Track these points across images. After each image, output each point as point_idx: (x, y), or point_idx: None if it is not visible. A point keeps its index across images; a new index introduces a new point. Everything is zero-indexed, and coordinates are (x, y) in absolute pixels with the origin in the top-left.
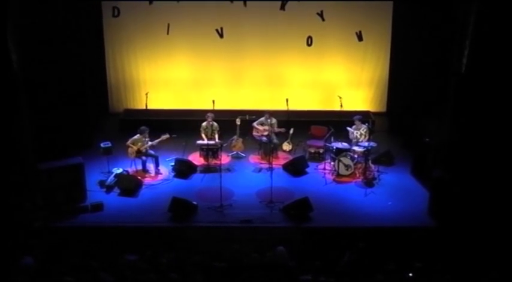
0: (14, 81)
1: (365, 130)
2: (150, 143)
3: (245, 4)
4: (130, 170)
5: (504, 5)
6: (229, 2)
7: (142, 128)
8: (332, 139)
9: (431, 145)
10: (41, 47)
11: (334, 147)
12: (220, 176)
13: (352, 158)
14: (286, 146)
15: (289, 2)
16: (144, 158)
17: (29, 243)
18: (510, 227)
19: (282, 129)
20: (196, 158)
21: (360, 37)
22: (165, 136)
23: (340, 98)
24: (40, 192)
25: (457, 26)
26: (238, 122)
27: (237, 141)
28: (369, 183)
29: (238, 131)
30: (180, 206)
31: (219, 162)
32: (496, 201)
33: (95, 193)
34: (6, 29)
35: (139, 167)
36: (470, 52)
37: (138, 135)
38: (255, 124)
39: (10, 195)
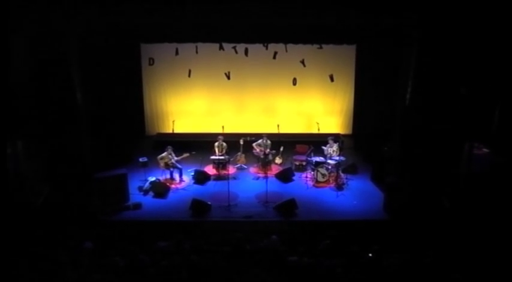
0: (78, 113)
1: (336, 148)
2: (176, 158)
3: (247, 54)
4: (161, 178)
5: (436, 55)
6: (234, 53)
7: (167, 147)
8: (312, 154)
9: (386, 158)
10: (97, 87)
11: (314, 161)
12: (228, 183)
13: (327, 169)
14: (278, 160)
15: (278, 52)
16: (171, 169)
17: (90, 232)
18: (443, 218)
19: (273, 151)
20: (210, 169)
21: (331, 78)
22: (186, 155)
23: (318, 123)
24: (96, 195)
25: (402, 69)
26: (241, 142)
27: (241, 157)
28: (339, 187)
29: (241, 149)
30: (198, 205)
31: (227, 172)
32: (432, 200)
33: (135, 196)
34: (73, 76)
35: (168, 176)
36: (412, 89)
37: (165, 152)
38: (254, 145)
39: (78, 196)
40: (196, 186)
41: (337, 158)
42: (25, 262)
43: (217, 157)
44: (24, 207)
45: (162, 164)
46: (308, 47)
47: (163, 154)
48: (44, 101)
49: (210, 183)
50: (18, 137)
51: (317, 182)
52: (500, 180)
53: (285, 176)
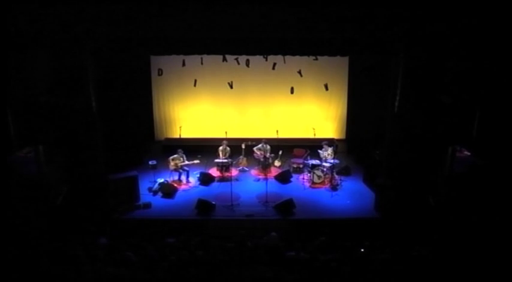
0: (93, 120)
1: (331, 151)
2: (186, 162)
3: (248, 65)
4: (169, 180)
5: (421, 65)
6: (236, 64)
7: (178, 150)
8: (308, 158)
9: (377, 160)
10: (110, 96)
11: (310, 163)
12: (231, 184)
13: (322, 171)
14: (277, 163)
15: (277, 63)
16: (179, 171)
17: (105, 229)
18: (428, 215)
19: (272, 155)
20: (214, 171)
21: (326, 87)
22: (196, 161)
23: (314, 128)
24: (110, 195)
25: (391, 79)
26: (243, 146)
27: (242, 160)
28: (333, 188)
29: (243, 152)
30: (203, 205)
31: (230, 174)
32: (419, 199)
33: (145, 196)
34: (89, 86)
35: (176, 178)
36: (400, 97)
37: (176, 155)
38: (254, 149)
39: (93, 195)
40: (201, 187)
41: (332, 161)
42: (46, 256)
43: (221, 160)
44: (46, 206)
45: (172, 164)
46: (304, 58)
47: (175, 155)
48: (62, 109)
49: (214, 185)
50: (39, 143)
51: (313, 183)
52: (479, 180)
53: (283, 178)
